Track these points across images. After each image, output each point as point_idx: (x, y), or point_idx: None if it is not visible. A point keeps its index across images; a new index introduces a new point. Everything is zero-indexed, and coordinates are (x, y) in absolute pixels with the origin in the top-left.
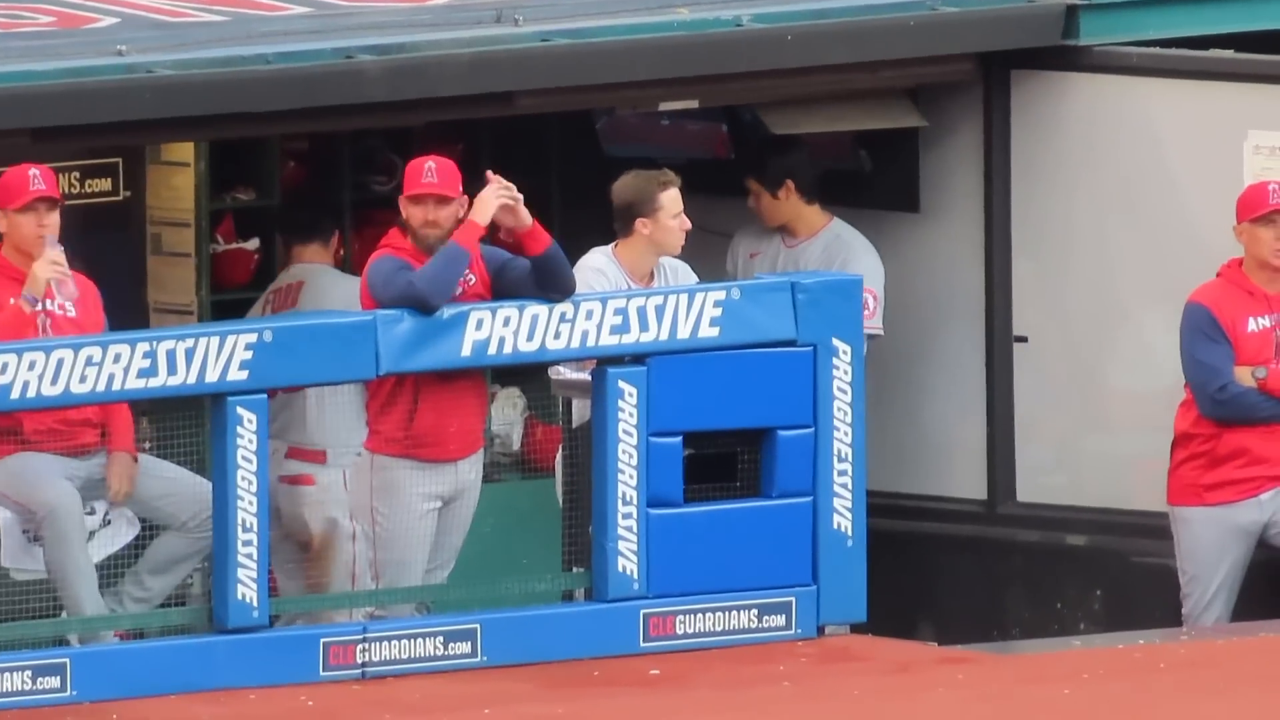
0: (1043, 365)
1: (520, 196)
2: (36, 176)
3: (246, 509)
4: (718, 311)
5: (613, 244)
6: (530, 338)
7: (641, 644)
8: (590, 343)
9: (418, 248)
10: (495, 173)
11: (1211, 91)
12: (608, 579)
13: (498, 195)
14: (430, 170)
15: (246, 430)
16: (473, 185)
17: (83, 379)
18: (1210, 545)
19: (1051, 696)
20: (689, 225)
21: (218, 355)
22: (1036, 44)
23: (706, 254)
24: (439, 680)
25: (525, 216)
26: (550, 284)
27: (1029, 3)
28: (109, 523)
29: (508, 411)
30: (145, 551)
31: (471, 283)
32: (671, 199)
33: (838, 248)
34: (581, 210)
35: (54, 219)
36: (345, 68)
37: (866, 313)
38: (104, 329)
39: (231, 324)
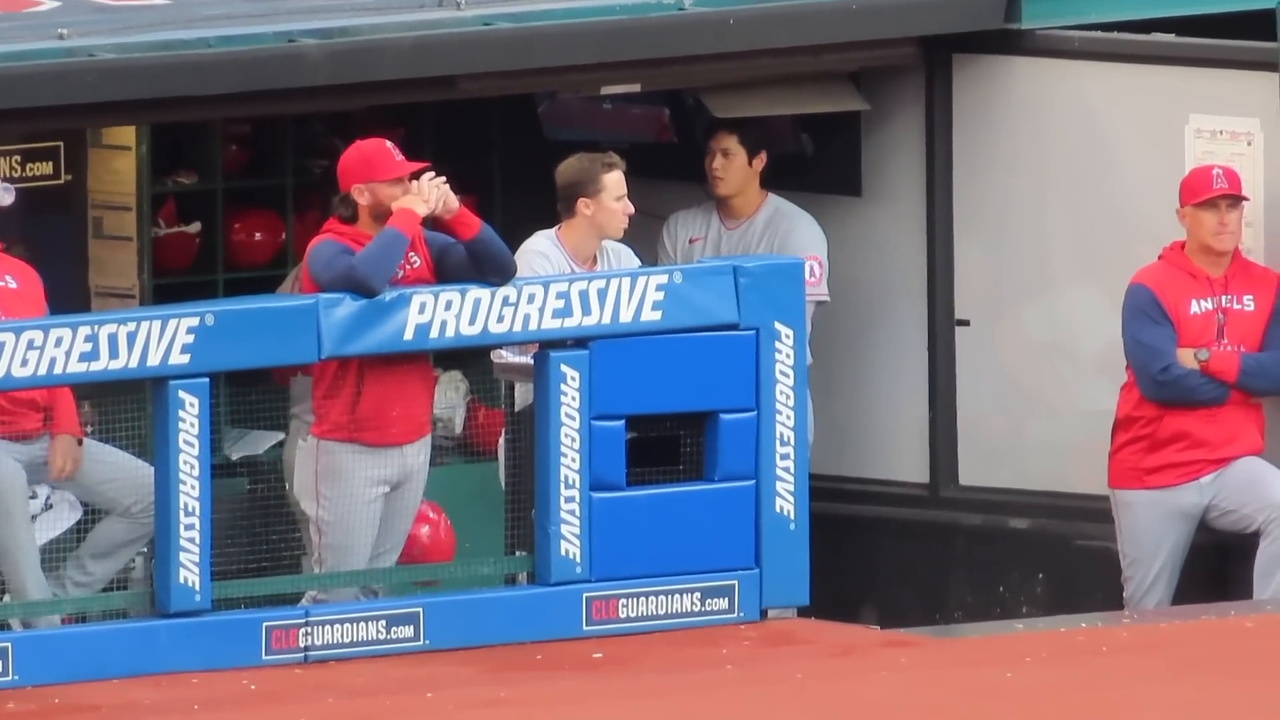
0: (985, 349)
1: (443, 179)
2: None
3: (189, 493)
4: (660, 295)
5: (556, 227)
6: (473, 321)
7: (584, 627)
8: (533, 326)
9: (373, 229)
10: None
11: (1153, 75)
12: (550, 562)
13: (438, 188)
14: (397, 150)
15: (189, 414)
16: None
17: (24, 362)
18: (1151, 528)
19: (994, 680)
20: (632, 210)
21: (159, 339)
22: (978, 28)
23: (650, 238)
24: (382, 664)
25: (452, 201)
26: (488, 268)
27: None
28: (51, 507)
29: (450, 395)
30: (88, 536)
31: (416, 265)
32: (615, 181)
33: (779, 220)
34: (524, 194)
35: None
36: (287, 52)
37: (813, 280)
38: (45, 312)
39: (173, 307)
